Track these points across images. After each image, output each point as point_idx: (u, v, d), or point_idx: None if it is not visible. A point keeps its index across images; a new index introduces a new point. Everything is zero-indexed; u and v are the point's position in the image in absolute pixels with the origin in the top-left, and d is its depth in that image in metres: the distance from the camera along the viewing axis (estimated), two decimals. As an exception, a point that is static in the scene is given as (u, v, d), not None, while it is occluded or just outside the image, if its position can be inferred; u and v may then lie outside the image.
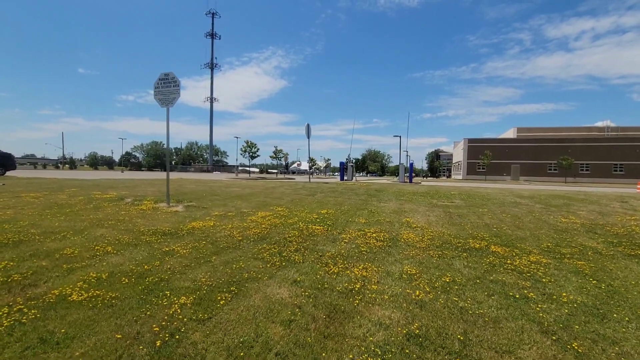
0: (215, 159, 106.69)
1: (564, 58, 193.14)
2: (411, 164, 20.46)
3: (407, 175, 20.57)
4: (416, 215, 6.48)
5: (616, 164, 46.21)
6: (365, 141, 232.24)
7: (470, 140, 52.39)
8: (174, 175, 28.46)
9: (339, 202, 7.86)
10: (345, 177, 21.50)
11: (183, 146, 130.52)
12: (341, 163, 21.21)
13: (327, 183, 16.08)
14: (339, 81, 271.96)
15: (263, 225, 5.34)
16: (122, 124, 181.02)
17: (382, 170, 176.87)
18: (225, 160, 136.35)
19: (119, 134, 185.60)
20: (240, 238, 4.65)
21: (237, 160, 58.63)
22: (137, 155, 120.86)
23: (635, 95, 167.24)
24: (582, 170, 46.57)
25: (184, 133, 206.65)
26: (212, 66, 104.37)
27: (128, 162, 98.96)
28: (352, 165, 21.84)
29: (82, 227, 4.90)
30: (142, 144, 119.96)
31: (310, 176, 24.51)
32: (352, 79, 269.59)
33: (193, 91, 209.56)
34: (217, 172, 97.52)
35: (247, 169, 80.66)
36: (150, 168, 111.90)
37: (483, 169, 48.54)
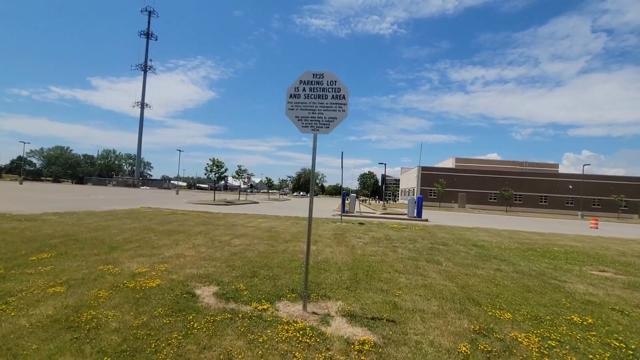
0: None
1: (463, 98, 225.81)
2: (420, 199, 19.09)
3: (416, 207, 19.09)
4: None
5: (542, 196, 52.75)
6: (294, 159, 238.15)
7: (424, 169, 54.85)
8: (100, 191, 22.75)
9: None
10: (346, 209, 19.14)
11: (98, 155, 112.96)
12: (343, 193, 18.90)
13: (362, 224, 13.55)
14: (271, 98, 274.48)
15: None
16: (11, 122, 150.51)
17: (322, 190, 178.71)
18: (149, 172, 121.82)
19: (6, 134, 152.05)
20: None
21: (180, 174, 51.64)
22: (34, 161, 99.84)
23: (514, 134, 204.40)
24: (516, 200, 52.00)
25: (93, 139, 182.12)
26: (145, 68, 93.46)
27: (22, 169, 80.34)
28: (354, 196, 19.65)
29: None
30: (42, 149, 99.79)
31: (282, 196, 21.52)
32: (283, 97, 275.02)
33: (107, 93, 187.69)
34: (145, 187, 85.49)
35: (176, 182, 72.43)
36: (57, 179, 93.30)
37: (434, 196, 50.82)
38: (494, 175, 54.28)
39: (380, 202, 63.67)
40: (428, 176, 53.68)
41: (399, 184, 71.45)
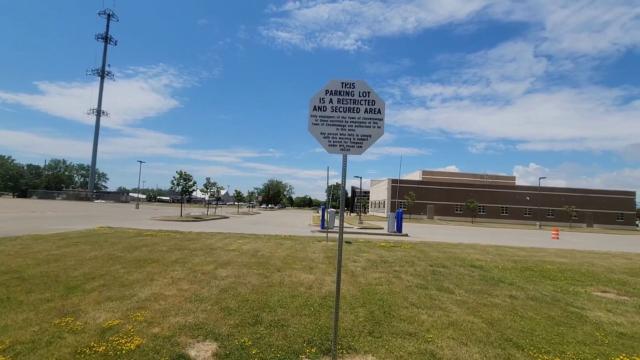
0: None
1: (424, 113, 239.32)
2: (400, 213, 18.91)
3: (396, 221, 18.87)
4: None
5: (503, 207, 55.62)
6: (261, 170, 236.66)
7: (394, 181, 55.85)
8: (46, 205, 20.63)
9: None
10: (325, 225, 18.46)
11: (45, 165, 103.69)
12: (323, 208, 18.26)
13: (356, 243, 12.89)
14: (236, 108, 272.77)
15: None
16: None
17: (291, 202, 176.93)
18: (104, 184, 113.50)
19: None
20: None
21: (140, 186, 48.28)
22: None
23: (470, 147, 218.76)
24: (480, 211, 54.35)
25: (39, 147, 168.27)
26: (102, 74, 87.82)
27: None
28: (334, 211, 19.02)
29: None
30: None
31: (251, 209, 20.49)
32: (249, 108, 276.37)
33: (56, 98, 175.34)
34: (100, 201, 78.96)
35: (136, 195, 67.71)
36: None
37: (404, 208, 51.73)
38: (459, 187, 56.55)
39: (352, 214, 63.72)
40: (398, 188, 54.70)
41: (369, 196, 72.20)
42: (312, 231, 18.05)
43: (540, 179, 46.55)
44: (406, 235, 17.91)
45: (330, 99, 3.15)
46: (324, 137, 3.13)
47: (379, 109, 3.14)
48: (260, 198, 65.69)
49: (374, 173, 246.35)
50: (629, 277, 8.15)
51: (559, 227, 36.44)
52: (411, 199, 47.76)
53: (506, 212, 55.38)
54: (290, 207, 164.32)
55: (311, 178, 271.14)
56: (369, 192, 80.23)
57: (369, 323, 4.18)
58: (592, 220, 56.38)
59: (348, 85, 3.16)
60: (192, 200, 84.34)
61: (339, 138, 3.12)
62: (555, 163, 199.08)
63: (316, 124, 3.14)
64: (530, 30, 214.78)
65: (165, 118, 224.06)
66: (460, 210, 54.20)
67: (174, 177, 23.99)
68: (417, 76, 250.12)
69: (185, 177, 24.05)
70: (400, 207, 53.18)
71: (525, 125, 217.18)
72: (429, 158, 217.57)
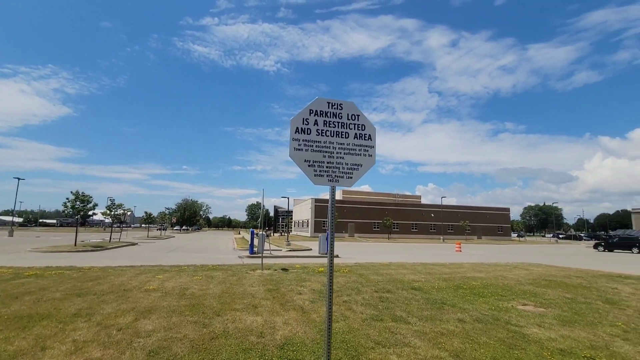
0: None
1: None
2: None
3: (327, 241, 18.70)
4: None
5: (412, 224, 61.26)
6: (173, 188, 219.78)
7: (317, 200, 56.78)
8: None
9: None
10: (254, 250, 17.25)
11: None
12: (252, 231, 17.03)
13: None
14: (144, 121, 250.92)
15: None
16: None
17: (208, 223, 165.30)
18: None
19: None
20: None
21: (16, 207, 39.36)
22: None
23: (380, 168, 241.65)
24: (394, 228, 58.81)
25: None
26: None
27: None
28: (264, 234, 17.88)
29: None
30: None
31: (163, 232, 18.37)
32: (159, 121, 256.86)
33: None
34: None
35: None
36: None
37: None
38: (376, 206, 60.56)
39: (276, 234, 62.32)
40: (322, 207, 55.81)
41: (291, 215, 71.91)
42: (239, 257, 16.68)
43: (442, 198, 53.03)
44: (337, 256, 17.91)
45: (315, 120, 2.68)
46: (309, 166, 2.61)
47: (370, 135, 2.79)
48: (174, 220, 59.46)
49: (293, 192, 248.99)
50: (535, 287, 9.32)
51: (458, 240, 41.52)
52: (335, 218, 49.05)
53: (415, 228, 61.18)
54: (207, 229, 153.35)
55: (229, 197, 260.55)
56: (292, 211, 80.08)
57: (342, 376, 3.64)
58: (480, 232, 66.14)
59: (335, 106, 2.74)
60: (87, 224, 71.61)
61: (326, 167, 2.65)
62: (448, 183, 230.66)
63: (299, 149, 2.61)
64: (425, 70, 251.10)
65: (53, 127, 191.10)
66: (378, 228, 57.87)
67: (67, 199, 19.85)
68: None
69: (82, 199, 20.12)
70: (324, 226, 54.14)
71: (424, 150, 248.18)
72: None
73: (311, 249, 23.74)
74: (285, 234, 43.58)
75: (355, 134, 2.75)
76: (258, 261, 14.66)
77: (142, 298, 6.51)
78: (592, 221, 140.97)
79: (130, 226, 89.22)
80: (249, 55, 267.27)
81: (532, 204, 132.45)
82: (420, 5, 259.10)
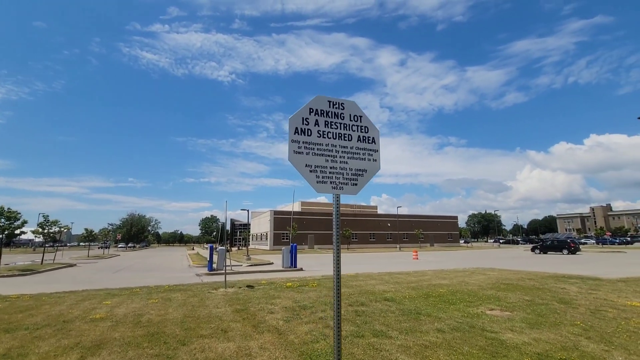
0: None
1: None
2: (294, 247, 18.32)
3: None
4: None
5: (370, 233, 62.55)
6: (117, 202, 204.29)
7: (276, 213, 55.67)
8: None
9: None
10: (213, 267, 16.12)
11: None
12: (210, 246, 15.89)
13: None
14: (84, 130, 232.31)
15: None
16: None
17: (158, 239, 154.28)
18: None
19: None
20: None
21: None
22: None
23: None
24: (353, 238, 59.54)
25: None
26: None
27: None
28: (224, 249, 16.78)
29: None
30: None
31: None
32: (102, 131, 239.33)
33: None
34: None
35: None
36: None
37: (286, 239, 51.92)
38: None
39: (234, 248, 59.78)
40: (281, 220, 54.80)
41: (248, 228, 69.71)
42: (197, 275, 15.47)
43: (397, 207, 55.07)
44: (301, 269, 17.44)
45: (316, 120, 2.40)
46: (310, 171, 2.32)
47: (374, 138, 2.57)
48: (119, 236, 54.35)
49: (250, 204, 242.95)
50: (496, 292, 9.73)
51: (414, 248, 43.12)
52: (294, 230, 48.40)
53: (373, 238, 62.57)
54: (156, 245, 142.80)
55: (181, 210, 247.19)
56: (249, 224, 77.63)
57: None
58: (433, 240, 69.55)
59: (336, 105, 2.49)
60: (12, 244, 62.52)
61: (329, 172, 2.38)
62: (400, 194, 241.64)
63: (299, 152, 2.31)
64: (376, 86, 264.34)
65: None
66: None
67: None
68: (289, 113, 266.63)
69: (9, 216, 17.45)
70: (283, 239, 53.13)
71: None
72: (303, 189, 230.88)
73: (272, 263, 22.95)
74: (244, 248, 41.91)
75: (359, 136, 2.52)
76: (218, 279, 13.72)
77: (88, 330, 5.56)
78: (525, 226, 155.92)
79: (66, 245, 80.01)
80: (202, 64, 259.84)
81: (475, 212, 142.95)
82: (370, 26, 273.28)
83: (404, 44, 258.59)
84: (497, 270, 15.63)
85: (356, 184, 2.46)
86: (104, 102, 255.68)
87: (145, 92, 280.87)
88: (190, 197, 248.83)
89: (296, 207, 72.46)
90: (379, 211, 77.61)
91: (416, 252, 32.91)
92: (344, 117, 2.49)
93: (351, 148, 2.48)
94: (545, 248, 36.99)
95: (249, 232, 68.10)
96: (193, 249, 68.01)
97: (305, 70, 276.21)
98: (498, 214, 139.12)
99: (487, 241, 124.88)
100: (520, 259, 27.72)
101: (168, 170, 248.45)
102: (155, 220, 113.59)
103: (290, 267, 17.48)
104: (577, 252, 34.41)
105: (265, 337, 5.32)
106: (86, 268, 21.92)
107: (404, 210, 62.97)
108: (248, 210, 23.56)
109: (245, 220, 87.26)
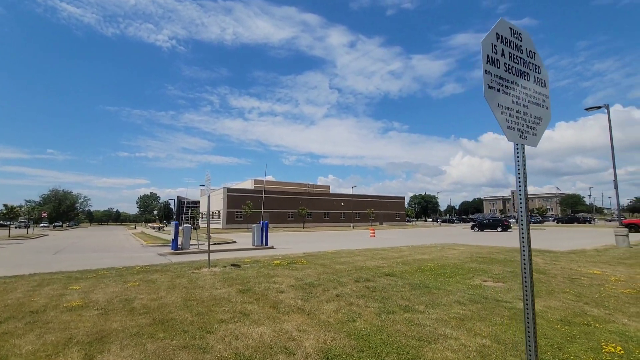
0: None
1: (243, 124, 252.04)
2: (265, 224, 17.49)
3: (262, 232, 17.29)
4: None
5: (325, 212, 63.44)
6: (32, 176, 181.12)
7: (229, 190, 53.29)
8: None
9: None
10: (179, 245, 14.70)
11: None
12: (175, 223, 14.35)
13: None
14: None
15: None
16: None
17: (90, 217, 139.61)
18: None
19: None
20: None
21: None
22: None
23: (284, 159, 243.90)
24: (308, 217, 59.87)
25: None
26: None
27: None
28: (190, 226, 15.32)
29: None
30: None
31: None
32: (12, 94, 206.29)
33: None
34: None
35: None
36: None
37: (241, 217, 50.31)
38: (290, 196, 60.51)
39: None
40: (234, 197, 52.72)
41: (198, 206, 66.13)
42: (160, 254, 14.00)
43: (352, 187, 56.35)
44: (272, 247, 16.83)
45: (502, 50, 1.90)
46: (502, 112, 1.82)
47: (545, 81, 2.13)
48: (44, 214, 47.60)
49: (192, 182, 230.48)
50: (478, 265, 10.27)
51: (366, 227, 44.79)
52: (249, 208, 46.97)
53: (327, 217, 63.67)
54: (88, 224, 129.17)
55: (113, 187, 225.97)
56: (198, 202, 73.61)
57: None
58: (382, 219, 73.11)
59: (516, 35, 2.00)
60: None
61: (516, 118, 1.90)
62: (346, 175, 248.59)
63: (492, 88, 1.79)
64: (326, 66, 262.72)
65: None
66: (292, 217, 58.02)
67: None
68: (236, 87, 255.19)
69: None
70: (237, 217, 51.37)
71: (325, 143, 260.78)
72: (247, 168, 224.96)
73: (235, 242, 21.94)
74: (199, 227, 39.63)
75: (535, 77, 2.07)
76: (186, 258, 12.59)
77: (73, 321, 4.47)
78: (457, 207, 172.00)
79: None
80: (136, 25, 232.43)
81: (415, 194, 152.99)
82: (322, 3, 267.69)
83: (355, 25, 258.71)
84: (462, 245, 16.72)
85: (535, 134, 2.03)
86: (14, 61, 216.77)
87: (66, 50, 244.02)
88: (125, 172, 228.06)
89: (249, 184, 70.37)
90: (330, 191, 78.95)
91: (373, 230, 34.11)
92: (522, 50, 2.02)
93: (530, 90, 2.04)
94: (482, 226, 40.95)
95: (199, 210, 64.57)
96: (135, 228, 62.77)
97: (253, 43, 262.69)
98: (435, 197, 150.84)
99: (426, 220, 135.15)
100: (465, 236, 30.24)
101: (96, 142, 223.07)
102: (84, 197, 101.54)
103: (261, 245, 16.76)
104: (509, 230, 38.71)
105: (295, 319, 4.80)
106: (14, 249, 18.72)
107: (355, 191, 64.75)
108: (201, 187, 21.81)
109: (192, 198, 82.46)
